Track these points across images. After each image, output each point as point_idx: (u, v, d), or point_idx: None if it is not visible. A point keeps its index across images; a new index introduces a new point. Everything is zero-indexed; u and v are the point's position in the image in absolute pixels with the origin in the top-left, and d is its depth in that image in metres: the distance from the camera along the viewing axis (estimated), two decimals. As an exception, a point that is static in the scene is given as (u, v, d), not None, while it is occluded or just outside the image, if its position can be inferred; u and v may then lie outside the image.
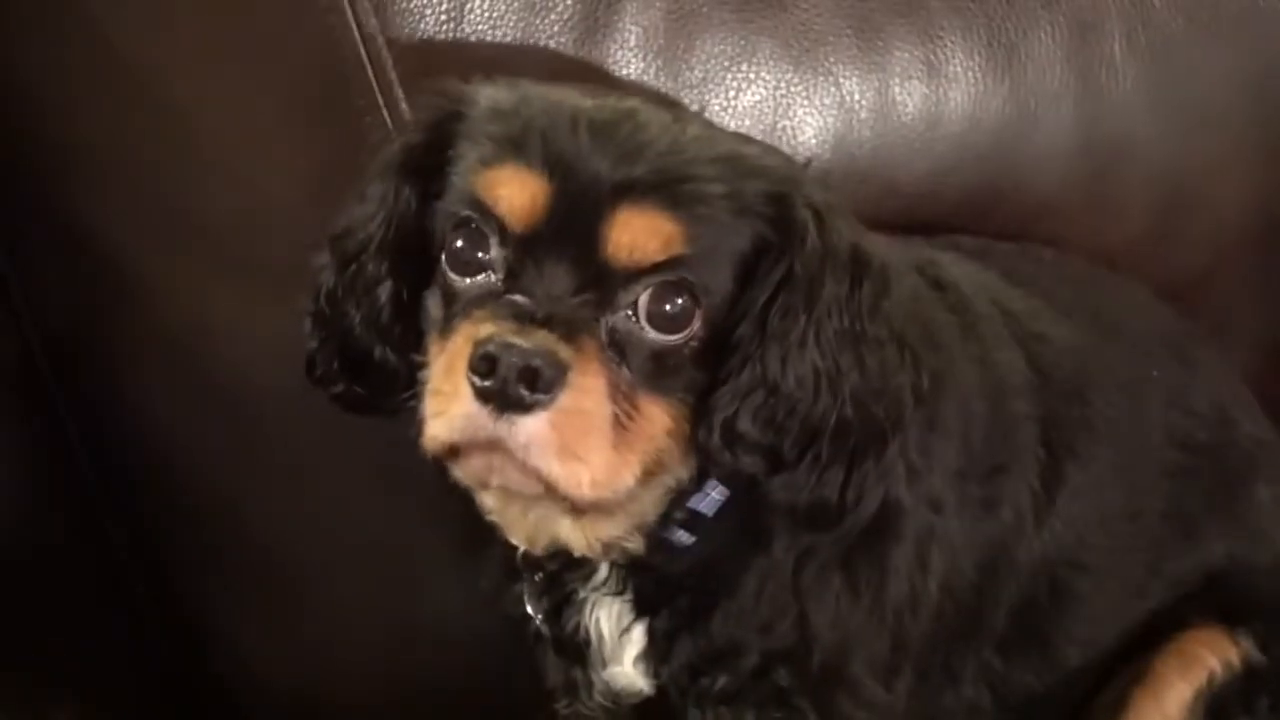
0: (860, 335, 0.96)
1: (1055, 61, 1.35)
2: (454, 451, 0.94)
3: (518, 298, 0.93)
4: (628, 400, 0.94)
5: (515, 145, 0.96)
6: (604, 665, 1.12)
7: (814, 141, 1.28)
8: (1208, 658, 1.21)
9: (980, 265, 1.23)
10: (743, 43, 1.26)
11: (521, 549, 1.07)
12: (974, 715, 1.19)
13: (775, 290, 0.95)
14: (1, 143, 1.30)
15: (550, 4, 1.21)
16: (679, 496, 1.03)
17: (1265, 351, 1.47)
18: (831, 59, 1.29)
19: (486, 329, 0.91)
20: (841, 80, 1.29)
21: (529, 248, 0.94)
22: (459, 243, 0.97)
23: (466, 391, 0.91)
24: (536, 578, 1.10)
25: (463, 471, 0.96)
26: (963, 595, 1.13)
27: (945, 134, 1.32)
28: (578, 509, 0.97)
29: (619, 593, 1.08)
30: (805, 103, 1.28)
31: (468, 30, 1.19)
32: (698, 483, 1.03)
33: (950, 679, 1.17)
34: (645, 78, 1.24)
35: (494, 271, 0.96)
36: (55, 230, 1.31)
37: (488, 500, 1.05)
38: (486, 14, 1.19)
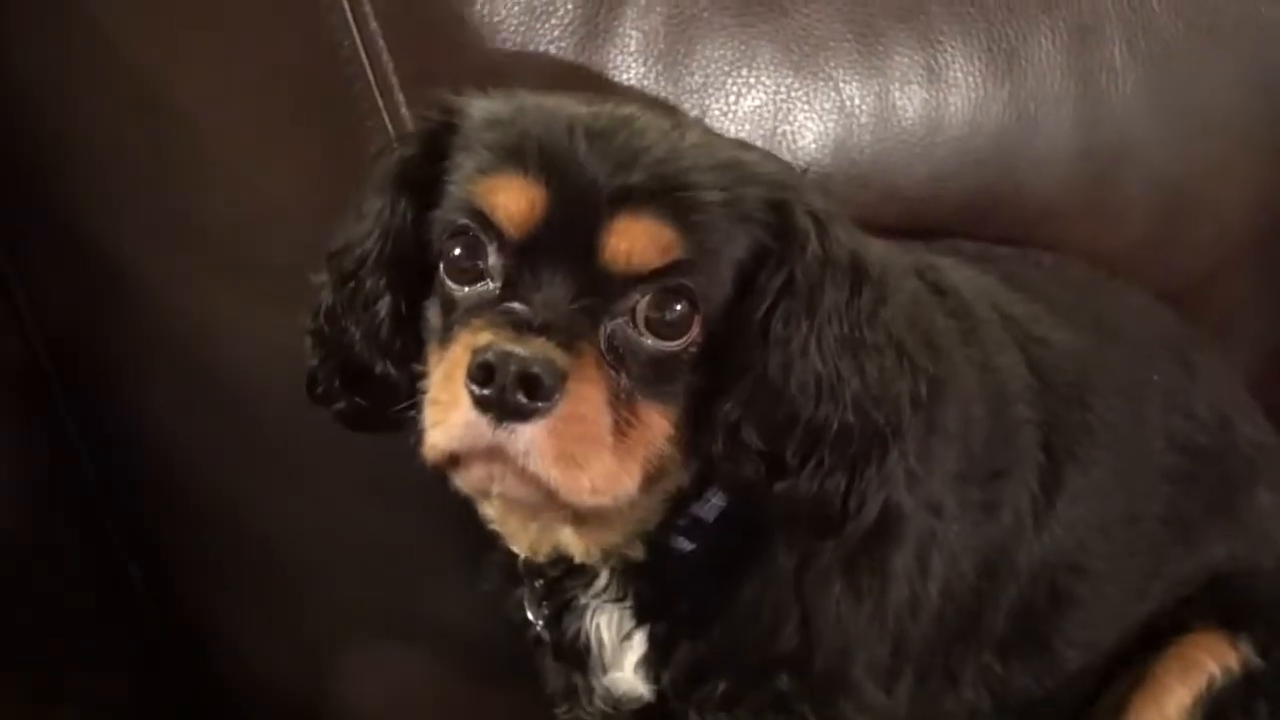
0: (860, 342, 0.96)
1: (1055, 66, 1.34)
2: (454, 460, 0.93)
3: (516, 305, 0.92)
4: (627, 407, 0.93)
5: (511, 153, 0.95)
6: (604, 671, 1.12)
7: (814, 146, 1.28)
8: (1207, 662, 1.21)
9: (980, 270, 1.23)
10: (743, 48, 1.26)
11: (523, 556, 1.07)
12: (974, 718, 1.19)
13: (776, 297, 0.95)
14: (2, 143, 1.30)
15: (551, 9, 1.20)
16: (680, 503, 1.02)
17: (1267, 355, 1.47)
18: (832, 64, 1.29)
19: (484, 337, 0.91)
20: (842, 85, 1.29)
21: (526, 255, 0.94)
22: (456, 251, 0.97)
23: (465, 400, 0.91)
24: (537, 584, 1.10)
25: (463, 481, 0.96)
26: (963, 598, 1.13)
27: (945, 139, 1.32)
28: (579, 517, 0.97)
29: (619, 599, 1.08)
30: (805, 108, 1.28)
31: (469, 34, 1.18)
32: (698, 489, 1.02)
33: (950, 682, 1.16)
34: (645, 83, 1.23)
35: (492, 279, 0.95)
36: (56, 231, 1.31)
37: (489, 510, 1.05)
38: (488, 18, 1.18)
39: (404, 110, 1.17)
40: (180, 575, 1.40)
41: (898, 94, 1.30)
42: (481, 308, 0.94)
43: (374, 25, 1.17)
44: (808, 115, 1.27)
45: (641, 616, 1.08)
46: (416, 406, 0.97)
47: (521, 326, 0.91)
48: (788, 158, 1.26)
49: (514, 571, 1.11)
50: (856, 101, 1.29)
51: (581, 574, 1.08)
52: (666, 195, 0.93)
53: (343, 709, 1.38)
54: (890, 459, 0.99)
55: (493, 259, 0.95)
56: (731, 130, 1.25)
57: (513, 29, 1.19)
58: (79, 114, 1.27)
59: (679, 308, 0.94)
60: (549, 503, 0.93)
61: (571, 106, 0.98)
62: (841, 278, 0.96)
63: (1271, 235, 1.45)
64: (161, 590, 1.40)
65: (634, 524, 1.02)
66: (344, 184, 1.18)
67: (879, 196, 1.30)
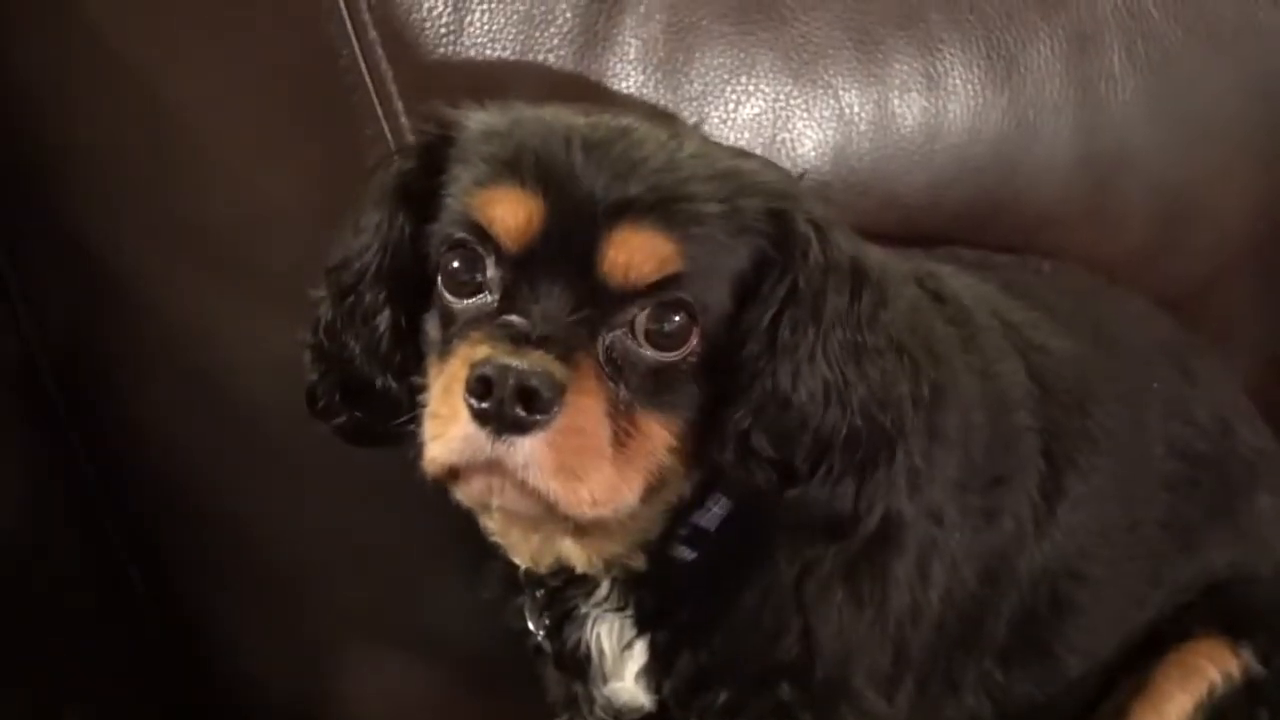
0: (863, 346, 0.96)
1: (1054, 73, 1.34)
2: (454, 474, 0.93)
3: (514, 318, 0.92)
4: (626, 418, 0.93)
5: (508, 165, 0.95)
6: (605, 681, 1.11)
7: (813, 154, 1.28)
8: (1208, 669, 1.21)
9: (980, 277, 1.23)
10: (742, 56, 1.26)
11: (524, 567, 1.07)
12: None
13: (781, 306, 0.95)
14: (6, 153, 1.29)
15: (550, 17, 1.20)
16: (681, 512, 1.02)
17: (1266, 361, 1.46)
18: (831, 72, 1.29)
19: (482, 351, 0.90)
20: (841, 93, 1.29)
21: (524, 267, 0.94)
22: (454, 264, 0.96)
23: (464, 414, 0.90)
24: (538, 593, 1.10)
25: (463, 494, 0.95)
26: (964, 606, 1.12)
27: (945, 146, 1.32)
28: (580, 528, 0.97)
29: (620, 608, 1.07)
30: (805, 115, 1.27)
31: (468, 42, 1.18)
32: (700, 498, 1.02)
33: (951, 689, 1.16)
34: (645, 91, 1.23)
35: (490, 292, 0.95)
36: (55, 233, 1.30)
37: (490, 523, 1.05)
38: (486, 26, 1.18)
39: (403, 117, 1.16)
40: (180, 578, 1.40)
41: (897, 102, 1.30)
42: (480, 320, 0.94)
43: (373, 34, 1.17)
44: (807, 123, 1.27)
45: (643, 626, 1.08)
46: (416, 420, 0.96)
47: (519, 339, 0.90)
48: (787, 166, 1.25)
49: (514, 580, 1.11)
50: (856, 109, 1.29)
51: (582, 583, 1.07)
52: (664, 207, 0.93)
53: (342, 713, 1.37)
54: (897, 461, 0.99)
55: (491, 272, 0.95)
56: (731, 138, 1.25)
57: (511, 37, 1.19)
58: (79, 117, 1.27)
59: (678, 319, 0.93)
60: (549, 515, 0.93)
61: (568, 118, 0.98)
62: (843, 283, 0.96)
63: (1270, 242, 1.45)
64: (161, 593, 1.40)
65: (635, 534, 1.02)
66: (343, 189, 1.18)
67: (878, 204, 1.29)
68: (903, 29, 1.31)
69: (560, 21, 1.20)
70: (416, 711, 1.37)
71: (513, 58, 1.18)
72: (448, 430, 0.92)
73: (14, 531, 1.28)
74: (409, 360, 1.01)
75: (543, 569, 1.06)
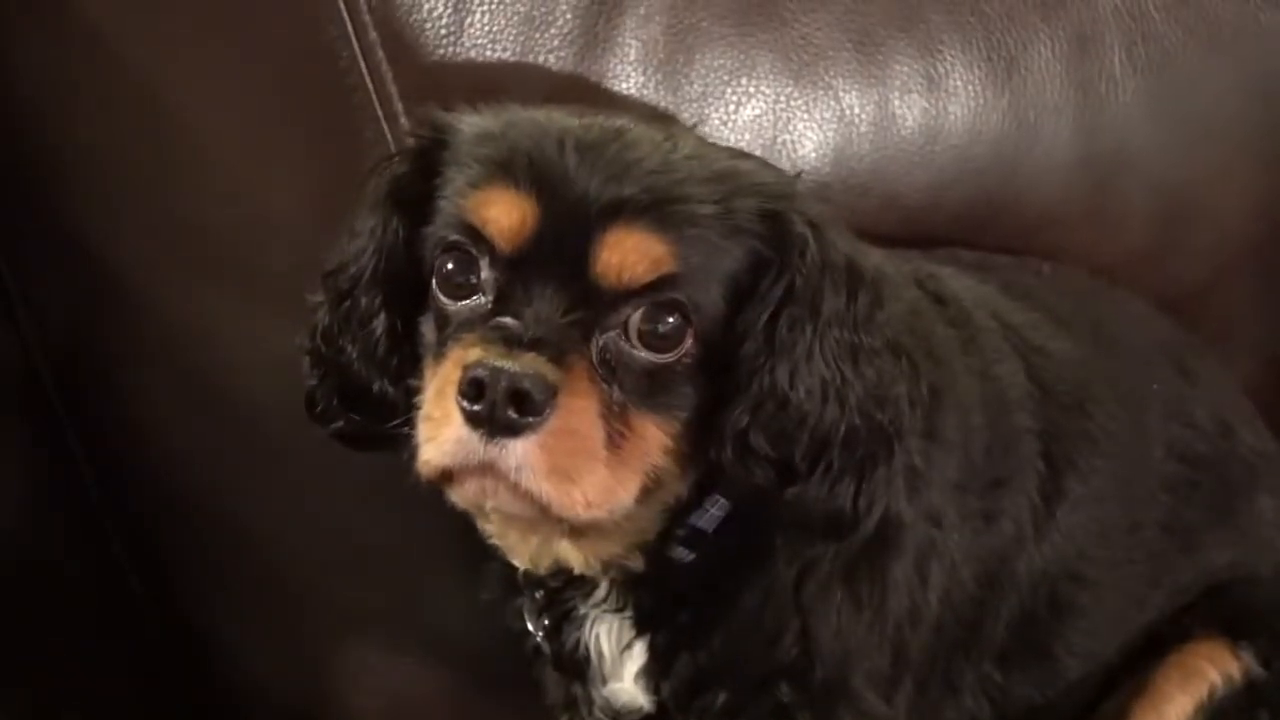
0: (860, 345, 0.96)
1: (1055, 74, 1.34)
2: (448, 476, 0.93)
3: (507, 320, 0.92)
4: (620, 419, 0.93)
5: (502, 167, 0.95)
6: (604, 682, 1.11)
7: (814, 155, 1.27)
8: (1208, 671, 1.20)
9: (980, 278, 1.22)
10: (742, 57, 1.25)
11: (522, 568, 1.06)
12: None
13: (778, 305, 0.94)
14: (4, 154, 1.29)
15: (550, 18, 1.20)
16: (679, 513, 1.01)
17: (1266, 362, 1.46)
18: (831, 73, 1.28)
19: (475, 353, 0.90)
20: (841, 94, 1.28)
21: (517, 269, 0.93)
22: (448, 266, 0.96)
23: (457, 416, 0.90)
24: (537, 594, 1.09)
25: (458, 496, 0.95)
26: (962, 608, 1.12)
27: (945, 147, 1.31)
28: (576, 529, 0.96)
29: (619, 609, 1.07)
30: (805, 117, 1.27)
31: (468, 44, 1.18)
32: (697, 499, 1.01)
33: (950, 691, 1.16)
34: (645, 92, 1.23)
35: (484, 294, 0.95)
36: (55, 235, 1.30)
37: (487, 525, 1.05)
38: (487, 28, 1.18)
39: (403, 119, 1.16)
40: (179, 578, 1.40)
41: (897, 103, 1.30)
42: (473, 323, 0.93)
43: (373, 35, 1.16)
44: (807, 124, 1.27)
45: (642, 627, 1.07)
46: (412, 423, 0.96)
47: (512, 341, 0.90)
48: (787, 167, 1.24)
49: (513, 581, 1.10)
50: (856, 110, 1.29)
51: (581, 584, 1.07)
52: (658, 208, 0.92)
53: (341, 714, 1.37)
54: (896, 460, 0.99)
55: (485, 274, 0.95)
56: (731, 139, 1.24)
57: (512, 39, 1.19)
58: (79, 118, 1.26)
59: (672, 320, 0.93)
60: (544, 517, 0.92)
61: (562, 120, 0.97)
62: (839, 282, 0.95)
63: (1270, 242, 1.44)
64: (161, 593, 1.40)
65: (632, 535, 1.02)
66: (342, 191, 1.18)
67: (879, 205, 1.29)
68: (903, 30, 1.31)
69: (560, 23, 1.20)
70: (416, 712, 1.36)
71: (513, 59, 1.18)
72: (441, 433, 0.91)
73: (13, 532, 1.28)
74: (405, 364, 1.00)
75: (541, 570, 1.05)
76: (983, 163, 1.32)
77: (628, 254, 0.92)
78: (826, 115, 1.28)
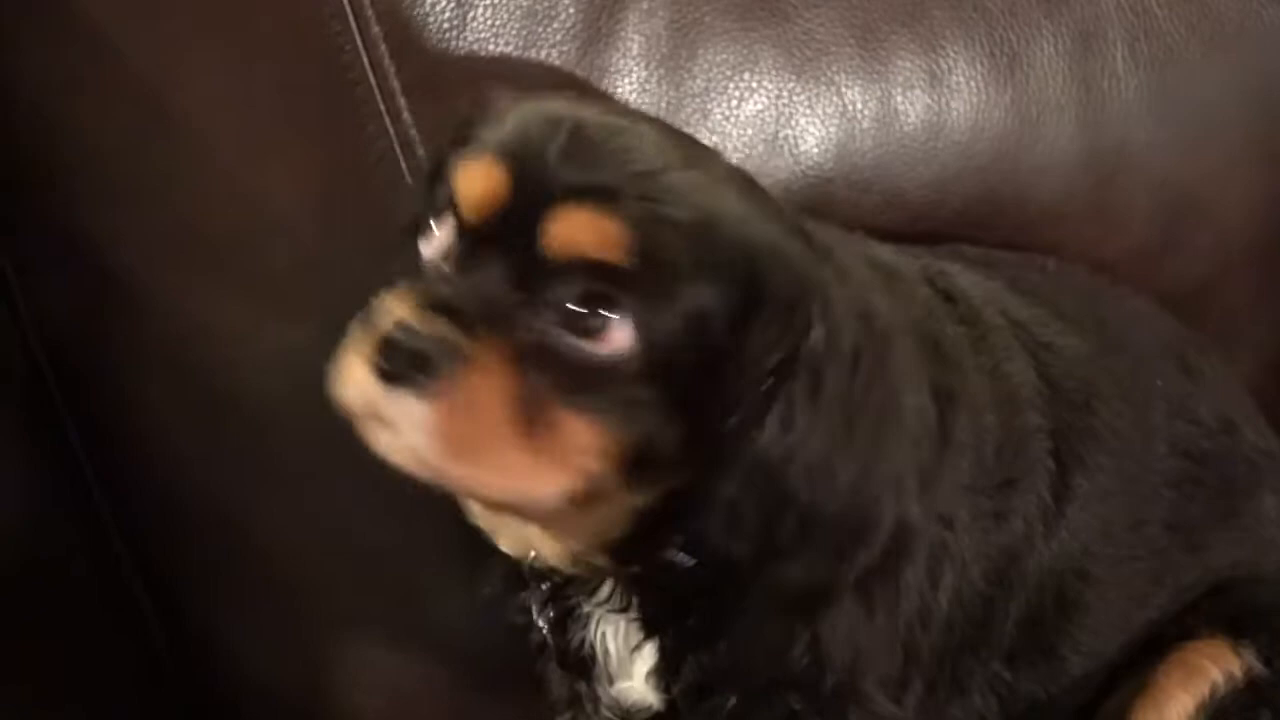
0: (855, 420, 0.94)
1: (1058, 71, 1.33)
2: (355, 416, 0.92)
3: (442, 286, 0.91)
4: (540, 409, 0.90)
5: (495, 142, 0.94)
6: (610, 681, 1.10)
7: (816, 151, 1.27)
8: (1210, 669, 1.20)
9: (987, 275, 1.21)
10: (745, 52, 1.25)
11: (528, 560, 1.05)
12: None
13: (776, 379, 0.92)
14: (6, 154, 1.28)
15: (553, 13, 1.20)
16: (647, 516, 0.98)
17: (1268, 361, 1.45)
18: (834, 68, 1.27)
19: (395, 307, 0.90)
20: (844, 90, 1.28)
21: (476, 239, 0.92)
22: (430, 225, 0.96)
23: (363, 358, 0.90)
24: (543, 587, 1.08)
25: (371, 441, 0.93)
26: (972, 607, 1.11)
27: (948, 143, 1.30)
28: (533, 517, 0.96)
29: (623, 609, 1.06)
30: (807, 112, 1.26)
31: (470, 39, 1.17)
32: (674, 507, 0.98)
33: (959, 689, 1.15)
34: (647, 87, 1.22)
35: (446, 260, 0.94)
36: (58, 237, 1.29)
37: (473, 506, 1.03)
38: (489, 23, 1.18)
39: (405, 114, 1.16)
40: (179, 578, 1.39)
41: (900, 98, 1.29)
42: (425, 278, 0.93)
43: (376, 29, 1.16)
44: (810, 119, 1.26)
45: (649, 629, 1.06)
46: None
47: (438, 305, 0.89)
48: (790, 162, 1.25)
49: (517, 575, 1.10)
50: (859, 106, 1.28)
51: (584, 582, 1.06)
52: (627, 201, 0.90)
53: (343, 713, 1.36)
54: (872, 550, 0.98)
55: (449, 240, 0.94)
56: (733, 134, 1.24)
57: (515, 33, 1.18)
58: (80, 117, 1.25)
59: (609, 314, 0.90)
60: (453, 485, 0.92)
61: (579, 109, 0.96)
62: (844, 364, 0.93)
63: (1273, 241, 1.43)
64: (161, 594, 1.39)
65: (591, 533, 1.00)
66: (346, 190, 1.18)
67: (881, 201, 1.28)
68: (906, 26, 1.30)
69: (563, 17, 1.20)
70: (416, 711, 1.36)
71: (516, 53, 1.18)
72: (350, 371, 0.91)
73: (14, 530, 1.27)
74: None
75: (522, 556, 1.04)
76: (985, 159, 1.31)
77: (576, 227, 0.89)
78: (829, 111, 1.27)
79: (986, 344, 1.14)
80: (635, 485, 0.94)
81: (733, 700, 1.06)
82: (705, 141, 1.18)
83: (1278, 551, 1.26)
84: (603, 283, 0.89)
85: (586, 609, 1.07)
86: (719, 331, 0.91)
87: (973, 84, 1.31)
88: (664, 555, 0.99)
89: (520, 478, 0.90)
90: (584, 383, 0.90)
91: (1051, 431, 1.14)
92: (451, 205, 0.94)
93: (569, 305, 0.90)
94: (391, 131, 1.16)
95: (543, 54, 1.19)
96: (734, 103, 1.24)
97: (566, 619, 1.09)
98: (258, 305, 1.21)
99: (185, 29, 1.20)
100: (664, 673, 1.07)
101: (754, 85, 1.25)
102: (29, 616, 1.27)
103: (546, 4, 1.19)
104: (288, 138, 1.20)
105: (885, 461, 0.98)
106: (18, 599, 1.26)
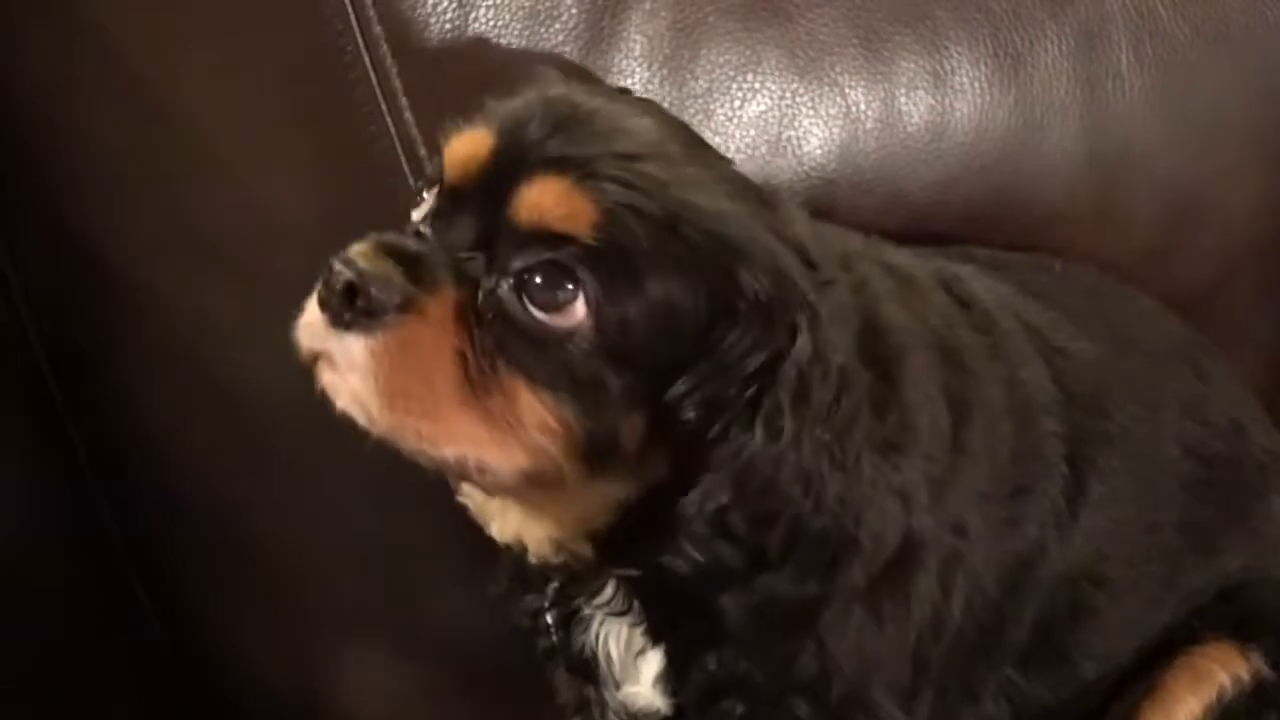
0: (835, 454, 0.93)
1: (1062, 72, 1.32)
2: (313, 358, 0.92)
3: (411, 239, 0.91)
4: (489, 371, 0.89)
5: (490, 113, 0.94)
6: (616, 686, 1.09)
7: (819, 152, 1.26)
8: (1218, 673, 1.19)
9: (998, 278, 1.20)
10: (748, 53, 1.24)
11: (516, 546, 1.03)
12: None
13: (761, 385, 0.91)
14: (9, 154, 1.28)
15: (555, 13, 1.19)
16: (633, 511, 0.97)
17: (1272, 362, 1.44)
18: (837, 69, 1.27)
19: (355, 247, 0.89)
20: (847, 90, 1.27)
21: (453, 200, 0.92)
22: (423, 196, 0.96)
23: (317, 299, 0.90)
24: (550, 589, 1.07)
25: (324, 385, 0.93)
26: (985, 614, 1.10)
27: (951, 144, 1.30)
28: (485, 489, 0.95)
29: (623, 613, 1.04)
30: (811, 113, 1.26)
31: (472, 39, 1.17)
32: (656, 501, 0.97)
33: (970, 697, 1.14)
34: (650, 88, 1.21)
35: (426, 222, 0.94)
36: (61, 238, 1.29)
37: (467, 489, 1.03)
38: (491, 23, 1.17)
39: (407, 113, 1.15)
40: (179, 578, 1.39)
41: (903, 99, 1.28)
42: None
43: (377, 30, 1.16)
44: (813, 120, 1.26)
45: (654, 635, 1.05)
46: None
47: (395, 252, 0.89)
48: (793, 163, 1.25)
49: (523, 576, 1.09)
50: (862, 107, 1.27)
51: (585, 583, 1.04)
52: (602, 179, 0.89)
53: (342, 713, 1.36)
54: (873, 563, 0.98)
55: (433, 202, 0.94)
56: (736, 135, 1.23)
57: (516, 34, 1.18)
58: (83, 118, 1.25)
59: (569, 287, 0.89)
60: (401, 442, 0.90)
61: (580, 94, 0.96)
62: (831, 381, 0.92)
63: (1277, 242, 1.42)
64: (161, 594, 1.39)
65: (574, 520, 0.99)
66: (347, 189, 1.18)
67: (885, 202, 1.28)
68: (909, 27, 1.29)
69: (565, 18, 1.19)
70: (416, 712, 1.35)
71: (519, 52, 1.17)
72: (308, 312, 0.91)
73: (14, 531, 1.27)
74: None
75: (509, 541, 1.03)
76: (989, 160, 1.30)
77: (547, 197, 0.89)
78: (832, 112, 1.26)
79: (1002, 351, 1.12)
80: (600, 474, 0.93)
81: (741, 708, 1.04)
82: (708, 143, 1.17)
83: None
84: (565, 256, 0.89)
85: (588, 611, 1.06)
86: (689, 327, 0.90)
87: (976, 85, 1.30)
88: (657, 557, 0.97)
89: (468, 442, 0.90)
90: (536, 353, 0.89)
91: (1066, 436, 1.13)
92: (440, 171, 0.94)
93: (528, 273, 0.89)
94: (393, 131, 1.16)
95: (545, 53, 1.18)
96: (737, 104, 1.24)
97: (570, 621, 1.08)
98: (259, 304, 1.19)
99: (188, 30, 1.20)
100: (672, 678, 1.06)
101: (757, 86, 1.24)
102: (27, 615, 1.26)
103: (549, 4, 1.19)
104: (289, 137, 1.20)
105: (886, 477, 0.98)
106: (15, 598, 1.25)
